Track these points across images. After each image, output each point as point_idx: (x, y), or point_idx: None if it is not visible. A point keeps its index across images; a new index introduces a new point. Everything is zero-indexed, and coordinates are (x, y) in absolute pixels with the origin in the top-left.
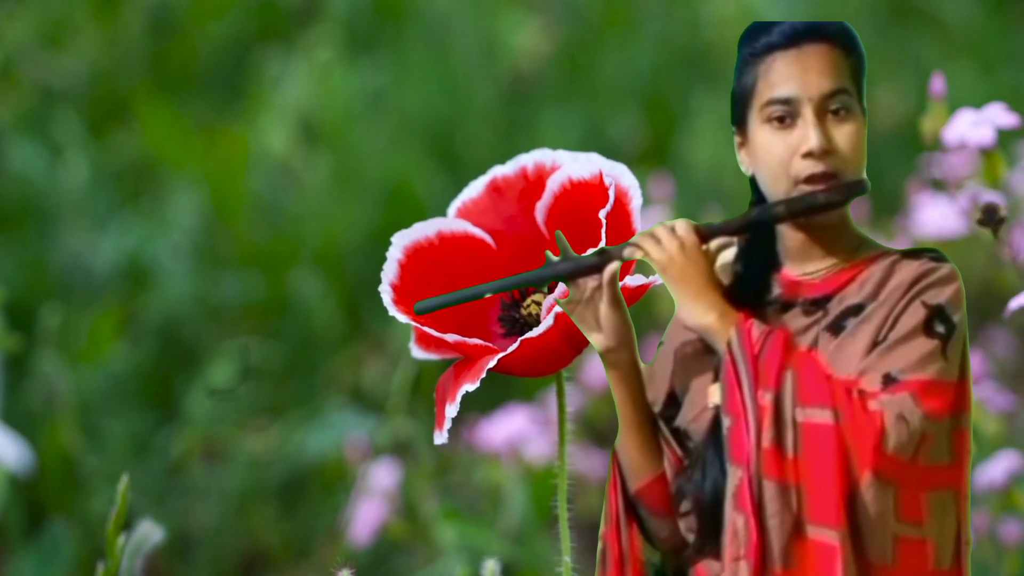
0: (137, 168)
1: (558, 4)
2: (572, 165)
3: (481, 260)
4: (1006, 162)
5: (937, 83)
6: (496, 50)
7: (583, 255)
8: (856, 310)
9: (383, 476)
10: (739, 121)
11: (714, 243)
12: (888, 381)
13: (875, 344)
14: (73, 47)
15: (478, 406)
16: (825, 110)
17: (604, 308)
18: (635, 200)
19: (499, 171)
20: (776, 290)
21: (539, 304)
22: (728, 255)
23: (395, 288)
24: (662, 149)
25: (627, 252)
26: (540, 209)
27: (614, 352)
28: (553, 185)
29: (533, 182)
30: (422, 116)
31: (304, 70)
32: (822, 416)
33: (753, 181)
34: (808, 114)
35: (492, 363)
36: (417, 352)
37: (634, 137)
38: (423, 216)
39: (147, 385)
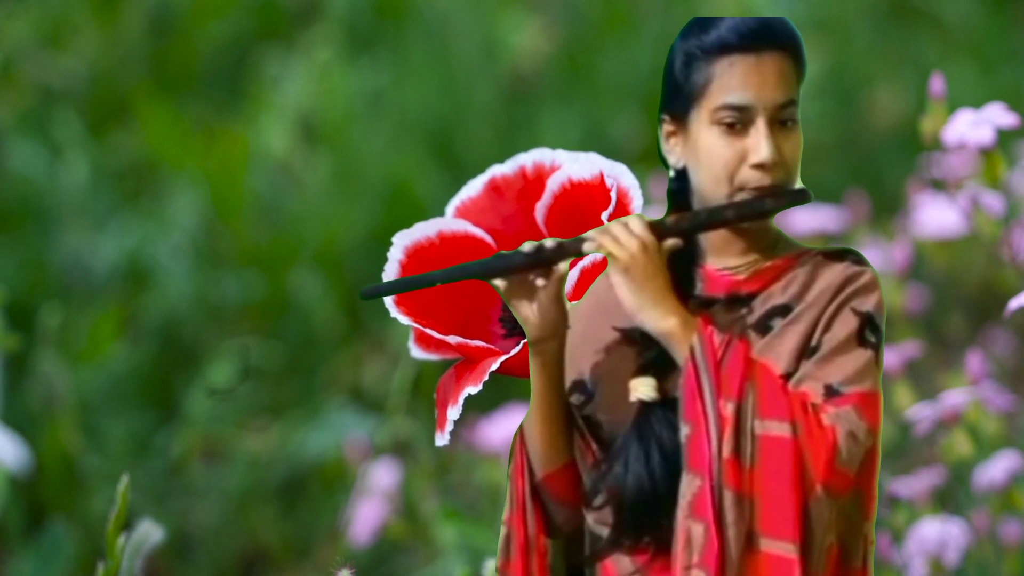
0: (137, 168)
1: (558, 4)
2: (572, 165)
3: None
4: (1006, 162)
5: (937, 83)
6: (496, 50)
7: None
8: (783, 310)
9: (383, 476)
10: (676, 112)
11: (667, 243)
12: (831, 393)
13: (805, 347)
14: (73, 47)
15: (478, 406)
16: (775, 121)
17: (546, 302)
18: (636, 200)
19: (498, 170)
20: (698, 285)
21: None
22: None
23: None
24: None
25: (585, 247)
26: (540, 209)
27: (545, 342)
28: (553, 185)
29: (532, 181)
30: (422, 116)
31: (304, 70)
32: (780, 430)
33: (679, 172)
34: (761, 124)
35: (495, 365)
36: (417, 352)
37: (634, 137)
38: (423, 216)
39: (147, 385)
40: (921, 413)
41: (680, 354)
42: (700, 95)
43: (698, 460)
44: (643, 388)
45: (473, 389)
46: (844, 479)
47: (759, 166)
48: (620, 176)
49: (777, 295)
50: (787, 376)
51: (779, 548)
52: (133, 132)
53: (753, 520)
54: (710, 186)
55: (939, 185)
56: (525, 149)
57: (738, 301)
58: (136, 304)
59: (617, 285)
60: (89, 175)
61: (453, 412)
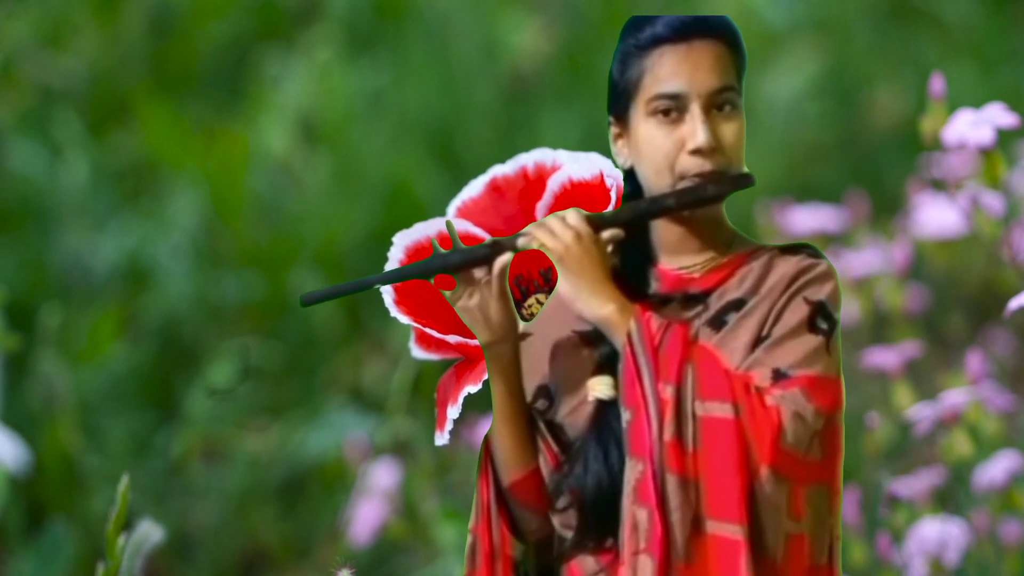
0: (137, 168)
1: (558, 4)
2: (572, 165)
3: None
4: (1006, 162)
5: (937, 83)
6: (496, 50)
7: (474, 246)
8: (737, 305)
9: (383, 476)
10: (618, 113)
11: (606, 234)
12: (778, 376)
13: (758, 339)
14: (73, 47)
15: (478, 406)
16: (712, 106)
17: (492, 301)
18: None
19: (499, 170)
20: (654, 284)
21: (541, 304)
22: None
23: (396, 288)
24: None
25: (521, 243)
26: (540, 209)
27: (497, 345)
28: (553, 185)
29: (533, 181)
30: (422, 116)
31: (304, 70)
32: (722, 410)
33: (629, 173)
34: (696, 110)
35: None
36: (417, 352)
37: None
38: (423, 216)
39: (147, 385)
40: (921, 413)
41: (618, 340)
42: (636, 89)
43: (639, 445)
44: (600, 387)
45: (473, 388)
46: (793, 460)
47: (697, 151)
48: (620, 176)
49: (732, 290)
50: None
51: (725, 530)
52: (133, 132)
53: (700, 503)
54: (653, 178)
55: (939, 185)
56: (525, 149)
57: (694, 299)
58: (136, 304)
59: (560, 279)
60: (89, 175)
61: (453, 411)
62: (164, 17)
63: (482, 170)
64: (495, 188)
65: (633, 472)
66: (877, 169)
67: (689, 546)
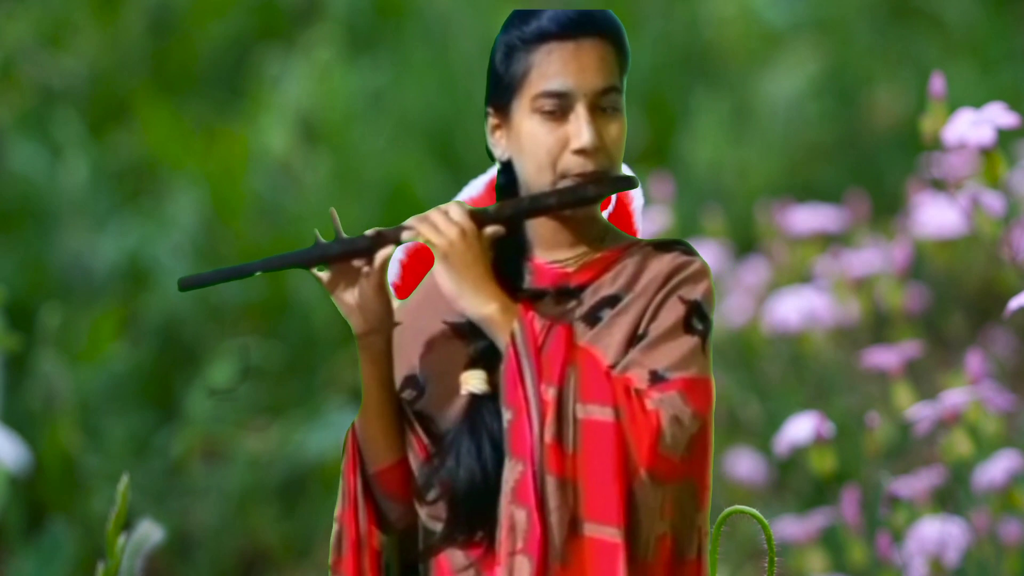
0: (137, 168)
1: (557, 4)
2: None
3: None
4: (1006, 162)
5: (937, 83)
6: None
7: (355, 237)
8: (611, 301)
9: None
10: (498, 104)
11: (488, 230)
12: (655, 379)
13: (633, 336)
14: (73, 47)
15: None
16: (597, 107)
17: (369, 292)
18: (636, 200)
19: None
20: (527, 277)
21: None
22: None
23: (396, 287)
24: (662, 149)
25: (404, 236)
26: None
27: (371, 336)
28: None
29: None
30: (422, 116)
31: (304, 70)
32: (602, 414)
33: (506, 165)
34: (581, 110)
35: None
36: None
37: (634, 137)
38: None
39: (147, 385)
40: (921, 413)
41: (501, 340)
42: (520, 85)
43: (520, 445)
44: (474, 381)
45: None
46: (669, 464)
47: (580, 151)
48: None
49: (606, 286)
50: (615, 367)
51: (603, 533)
52: (133, 132)
53: (577, 505)
54: (534, 175)
55: (939, 185)
56: None
57: (568, 293)
58: (136, 304)
59: (438, 273)
60: (89, 175)
61: None
62: (164, 17)
63: (482, 170)
64: (496, 188)
65: (513, 472)
66: (877, 169)
67: (566, 548)
